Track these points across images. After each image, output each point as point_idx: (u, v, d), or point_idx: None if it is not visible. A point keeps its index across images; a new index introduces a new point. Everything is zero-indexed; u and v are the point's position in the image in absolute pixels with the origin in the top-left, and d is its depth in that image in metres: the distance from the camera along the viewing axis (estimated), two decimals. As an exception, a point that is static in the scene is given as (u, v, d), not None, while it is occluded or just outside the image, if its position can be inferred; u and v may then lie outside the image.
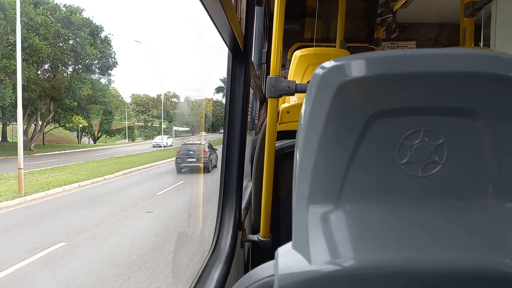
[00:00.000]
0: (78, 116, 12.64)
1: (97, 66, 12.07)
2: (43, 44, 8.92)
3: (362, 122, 0.39)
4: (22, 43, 8.00)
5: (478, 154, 0.38)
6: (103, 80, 12.70)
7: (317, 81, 0.40)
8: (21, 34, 7.89)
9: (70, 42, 10.42)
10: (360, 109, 0.39)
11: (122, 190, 8.87)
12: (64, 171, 9.11)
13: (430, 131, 0.38)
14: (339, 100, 0.39)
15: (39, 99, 9.68)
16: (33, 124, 9.98)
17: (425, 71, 0.37)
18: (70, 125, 13.07)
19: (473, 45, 1.97)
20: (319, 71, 0.41)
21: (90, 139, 17.54)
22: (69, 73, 10.95)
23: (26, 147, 9.13)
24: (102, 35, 11.88)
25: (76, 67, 11.28)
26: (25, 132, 9.38)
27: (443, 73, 0.37)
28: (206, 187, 9.68)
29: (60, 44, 10.08)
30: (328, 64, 0.40)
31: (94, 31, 11.21)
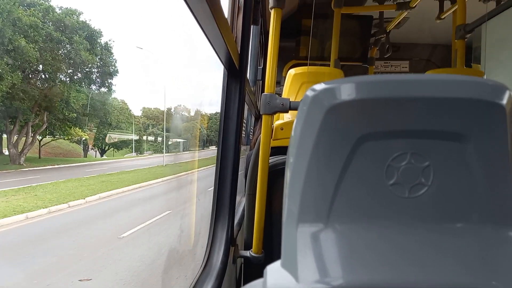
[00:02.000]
0: (77, 128, 11.66)
1: (96, 74, 11.02)
2: (30, 47, 7.96)
3: (351, 143, 0.40)
4: (6, 45, 7.32)
5: (465, 177, 0.39)
6: (103, 90, 11.55)
7: (307, 103, 0.41)
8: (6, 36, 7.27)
9: (65, 46, 9.35)
10: (349, 131, 0.40)
11: (79, 226, 6.23)
12: (32, 192, 7.36)
13: (417, 154, 0.39)
14: (329, 122, 0.40)
15: (29, 109, 8.68)
16: (23, 137, 8.94)
17: (413, 96, 0.38)
18: (68, 137, 12.04)
19: (464, 66, 2.01)
20: (309, 93, 0.42)
21: (98, 152, 16.72)
22: (62, 80, 9.73)
23: (15, 161, 8.33)
24: (102, 41, 10.75)
25: (71, 75, 10.14)
26: (15, 145, 8.56)
27: (431, 98, 0.38)
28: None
29: (52, 49, 8.96)
30: (319, 86, 0.41)
31: (92, 36, 10.18)
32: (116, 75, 11.31)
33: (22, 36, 7.89)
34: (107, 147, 16.94)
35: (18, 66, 8.19)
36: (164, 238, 5.92)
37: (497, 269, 0.37)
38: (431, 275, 0.36)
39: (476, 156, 0.38)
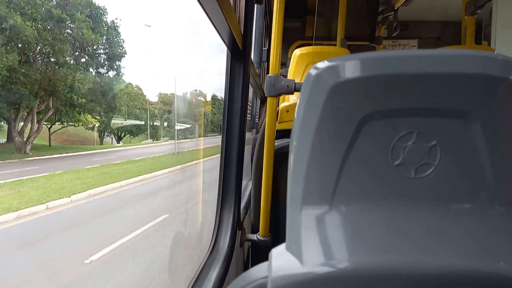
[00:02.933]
0: (87, 114, 10.89)
1: (103, 56, 10.03)
2: (28, 26, 7.07)
3: (355, 123, 0.38)
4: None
5: (472, 156, 0.38)
6: (112, 73, 10.53)
7: (310, 82, 0.40)
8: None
9: (67, 25, 8.37)
10: (354, 110, 0.38)
11: (34, 242, 4.23)
12: (17, 188, 6.16)
13: (424, 133, 0.38)
14: (332, 101, 0.39)
15: (33, 94, 7.92)
16: (29, 124, 8.23)
17: (419, 72, 0.37)
18: (80, 124, 11.12)
19: (474, 43, 1.96)
20: (312, 71, 0.40)
21: (114, 139, 16.16)
22: (66, 62, 8.78)
23: (21, 150, 7.80)
24: (108, 19, 9.68)
25: (75, 56, 9.14)
26: (20, 133, 7.99)
27: (438, 74, 0.37)
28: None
29: (53, 28, 7.98)
30: (322, 64, 0.40)
31: (95, 13, 9.16)
32: (124, 57, 10.34)
33: (18, 13, 7.01)
34: (122, 134, 16.54)
35: (15, 47, 7.29)
36: (149, 263, 3.85)
37: (505, 250, 0.36)
38: (438, 257, 0.35)
39: (484, 135, 0.37)
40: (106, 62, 10.14)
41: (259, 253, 1.56)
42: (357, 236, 0.38)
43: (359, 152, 0.39)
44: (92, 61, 9.70)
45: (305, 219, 0.40)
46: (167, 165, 10.01)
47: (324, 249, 0.38)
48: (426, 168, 0.38)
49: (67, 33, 8.44)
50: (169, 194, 7.58)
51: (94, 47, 9.52)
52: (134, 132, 16.63)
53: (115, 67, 10.40)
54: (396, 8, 2.57)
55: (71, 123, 10.80)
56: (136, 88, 14.92)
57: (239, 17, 1.20)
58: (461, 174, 0.38)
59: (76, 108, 9.83)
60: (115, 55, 10.16)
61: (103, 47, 9.94)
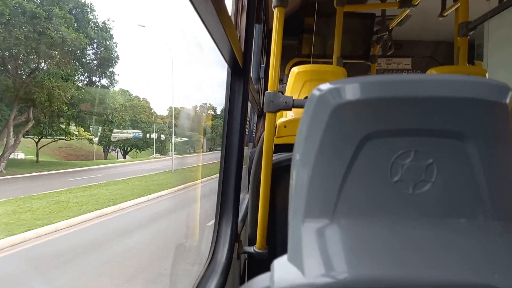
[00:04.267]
0: (79, 127, 9.36)
1: (93, 61, 8.42)
2: None
3: (356, 141, 0.41)
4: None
5: (467, 174, 0.40)
6: (105, 82, 9.00)
7: (314, 102, 0.43)
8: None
9: (43, 22, 6.75)
10: (355, 129, 0.41)
11: None
12: None
13: (421, 151, 0.40)
14: (335, 121, 0.41)
15: (5, 103, 6.42)
16: (5, 138, 6.75)
17: (415, 96, 0.39)
18: (70, 137, 9.55)
19: (467, 63, 2.01)
20: (316, 92, 0.43)
21: (119, 153, 15.25)
22: (40, 66, 7.19)
23: None
24: (99, 20, 8.24)
25: (56, 59, 7.45)
26: None
27: (434, 98, 0.39)
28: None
29: (24, 24, 6.53)
30: (324, 86, 0.42)
31: (79, 10, 7.60)
32: (117, 62, 8.79)
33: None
34: (128, 148, 15.71)
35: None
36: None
37: (501, 264, 0.38)
38: (435, 270, 0.37)
39: (479, 154, 0.39)
40: (96, 68, 8.67)
41: (256, 266, 1.56)
42: (357, 249, 0.40)
43: (359, 168, 0.41)
44: (79, 66, 8.19)
45: (307, 231, 0.42)
46: (153, 189, 8.16)
47: (325, 261, 0.39)
48: (423, 185, 0.40)
49: (43, 31, 6.68)
50: (131, 245, 4.33)
51: (80, 50, 7.91)
52: (140, 146, 15.91)
53: (107, 74, 8.95)
54: (390, 28, 2.62)
55: (61, 137, 9.42)
56: (143, 101, 14.44)
57: (239, 36, 1.24)
58: (457, 190, 0.40)
59: (62, 120, 8.40)
60: (105, 60, 8.74)
61: (93, 51, 8.46)
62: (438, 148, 0.40)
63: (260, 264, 1.43)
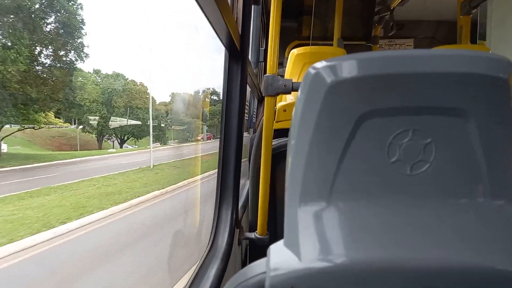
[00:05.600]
0: (48, 112, 7.62)
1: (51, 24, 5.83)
2: None
3: (352, 121, 0.39)
4: None
5: (466, 153, 0.39)
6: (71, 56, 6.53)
7: (308, 81, 0.41)
8: None
9: None
10: (351, 108, 0.39)
11: None
12: None
13: (419, 130, 0.39)
14: (330, 100, 0.40)
15: None
16: None
17: (414, 72, 0.38)
18: (40, 125, 7.46)
19: (469, 42, 1.98)
20: (311, 71, 0.41)
21: (115, 142, 14.27)
22: None
23: None
24: None
25: None
26: None
27: (432, 74, 0.38)
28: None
29: None
30: (320, 64, 0.41)
31: None
32: (83, 29, 6.33)
33: None
34: (125, 137, 14.39)
35: None
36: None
37: (501, 244, 0.37)
38: (435, 251, 0.36)
39: (478, 132, 0.38)
40: (60, 38, 6.44)
41: (257, 251, 1.57)
42: (354, 232, 0.39)
43: (356, 149, 0.40)
44: (29, 33, 5.60)
45: (303, 215, 0.41)
46: (96, 205, 5.28)
47: (321, 245, 0.39)
48: (421, 165, 0.39)
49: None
50: None
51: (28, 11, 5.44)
52: (137, 134, 14.48)
53: (73, 46, 6.48)
54: (392, 8, 2.58)
55: (29, 125, 7.19)
56: (139, 86, 13.82)
57: (236, 18, 1.21)
58: (456, 170, 0.39)
59: (21, 105, 6.04)
60: (65, 26, 6.31)
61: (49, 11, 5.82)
62: (437, 127, 0.39)
63: (262, 250, 1.43)
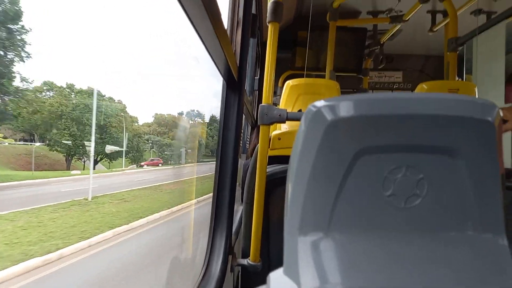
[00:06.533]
0: None
1: None
2: None
3: (350, 157, 0.42)
4: None
5: (457, 188, 0.41)
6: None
7: (309, 118, 0.44)
8: None
9: None
10: (348, 145, 0.42)
11: None
12: None
13: (412, 167, 0.41)
14: (329, 136, 0.42)
15: None
16: None
17: (408, 113, 0.41)
18: None
19: (456, 77, 2.06)
20: (312, 108, 0.44)
21: (85, 163, 13.90)
22: None
23: None
24: None
25: None
26: None
27: (424, 115, 0.41)
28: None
29: None
30: (320, 103, 0.44)
31: None
32: (20, 19, 4.75)
33: None
34: (99, 157, 14.49)
35: None
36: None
37: (489, 275, 0.39)
38: (427, 283, 0.38)
39: (467, 169, 0.41)
40: None
41: (249, 278, 1.56)
42: (351, 262, 0.41)
43: (353, 183, 0.42)
44: None
45: (302, 245, 0.43)
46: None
47: (320, 274, 0.41)
48: (414, 199, 0.41)
49: None
50: None
51: None
52: (111, 155, 14.09)
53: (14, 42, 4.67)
54: (382, 42, 2.68)
55: None
56: (117, 103, 13.01)
57: (235, 50, 1.26)
58: (447, 204, 0.41)
59: None
60: None
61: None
62: (428, 164, 0.41)
63: (254, 277, 1.42)
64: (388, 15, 2.44)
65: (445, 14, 2.30)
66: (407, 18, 2.24)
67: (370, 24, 2.66)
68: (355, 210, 0.42)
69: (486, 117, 0.41)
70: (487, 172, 0.41)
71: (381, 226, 0.42)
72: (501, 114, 0.42)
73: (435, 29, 2.33)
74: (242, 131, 3.08)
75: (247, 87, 2.56)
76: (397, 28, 2.49)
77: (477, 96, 1.53)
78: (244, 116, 2.65)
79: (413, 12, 2.22)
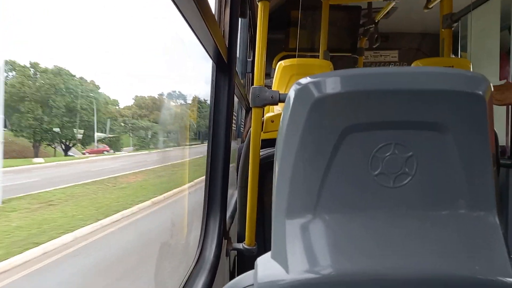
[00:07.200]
0: None
1: None
2: None
3: (336, 135, 0.41)
4: None
5: (446, 166, 0.40)
6: None
7: (294, 96, 0.42)
8: None
9: None
10: (334, 123, 0.41)
11: None
12: None
13: (401, 144, 0.40)
14: (315, 115, 0.41)
15: None
16: None
17: (396, 89, 0.39)
18: None
19: (451, 55, 2.03)
20: (296, 86, 0.43)
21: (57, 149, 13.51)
22: None
23: None
24: None
25: None
26: None
27: (412, 90, 0.39)
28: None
29: None
30: (305, 80, 0.42)
31: None
32: None
33: None
34: (70, 143, 14.09)
35: None
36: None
37: (480, 253, 0.38)
38: (417, 262, 0.38)
39: (457, 146, 0.39)
40: None
41: (245, 262, 1.57)
42: (339, 243, 0.40)
43: (340, 162, 0.41)
44: None
45: (290, 228, 0.42)
46: None
47: (308, 257, 0.40)
48: (403, 177, 0.40)
49: None
50: None
51: None
52: (83, 140, 13.86)
53: None
54: (376, 21, 2.63)
55: None
56: (90, 83, 12.95)
57: (223, 31, 1.23)
58: (437, 182, 0.40)
59: None
60: None
61: None
62: (417, 141, 0.40)
63: (250, 261, 1.43)
64: None
65: None
66: None
67: (364, 2, 2.61)
68: (343, 190, 0.41)
69: (476, 90, 0.39)
70: (477, 148, 0.40)
71: (370, 206, 0.41)
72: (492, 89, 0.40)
73: (430, 6, 2.29)
74: (236, 114, 3.07)
75: (239, 69, 2.53)
76: (391, 5, 2.44)
77: None
78: (237, 99, 2.63)
79: None
